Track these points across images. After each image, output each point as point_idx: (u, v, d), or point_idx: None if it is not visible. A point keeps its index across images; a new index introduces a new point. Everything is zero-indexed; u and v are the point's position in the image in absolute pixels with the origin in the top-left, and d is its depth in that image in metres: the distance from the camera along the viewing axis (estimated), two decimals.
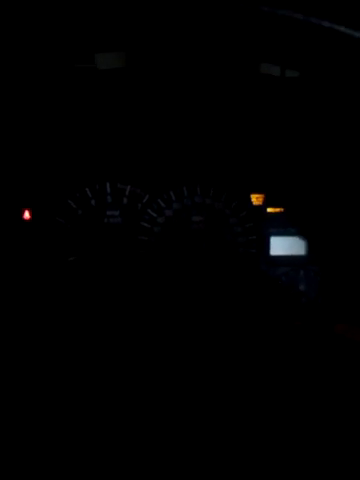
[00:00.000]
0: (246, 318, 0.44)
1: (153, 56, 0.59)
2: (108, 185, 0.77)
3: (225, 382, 0.32)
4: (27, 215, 0.77)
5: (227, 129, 0.74)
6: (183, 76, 0.66)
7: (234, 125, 0.73)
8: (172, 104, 0.69)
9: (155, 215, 0.78)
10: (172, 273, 0.77)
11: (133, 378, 0.32)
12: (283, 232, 0.78)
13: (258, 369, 0.34)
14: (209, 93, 0.68)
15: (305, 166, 0.75)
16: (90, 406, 0.30)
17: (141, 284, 0.77)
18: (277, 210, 0.78)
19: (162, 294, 0.77)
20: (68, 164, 0.76)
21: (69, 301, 0.76)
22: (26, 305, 0.74)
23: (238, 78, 0.66)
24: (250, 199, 0.77)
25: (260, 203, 0.77)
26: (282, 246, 0.78)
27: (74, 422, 0.28)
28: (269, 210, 0.78)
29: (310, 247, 0.78)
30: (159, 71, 0.63)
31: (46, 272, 0.77)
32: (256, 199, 0.76)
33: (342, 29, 0.38)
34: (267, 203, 0.77)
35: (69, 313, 0.64)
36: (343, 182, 0.74)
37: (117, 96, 0.66)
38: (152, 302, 0.76)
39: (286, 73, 1.01)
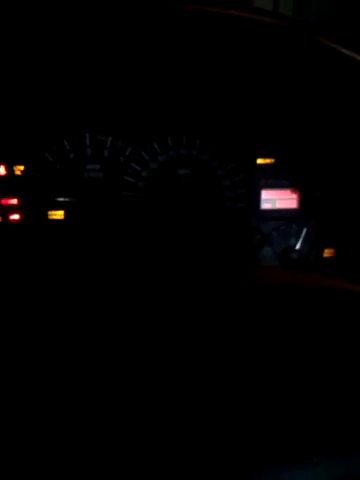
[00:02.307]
0: (233, 273, 0.40)
1: None
2: (87, 137, 0.72)
3: (212, 341, 0.30)
4: (2, 171, 0.72)
5: (214, 73, 0.68)
6: (170, 12, 0.60)
7: (222, 69, 0.67)
8: (156, 45, 0.64)
9: (139, 168, 0.73)
10: (158, 230, 0.74)
11: (121, 331, 0.30)
12: (274, 184, 0.74)
13: (245, 325, 0.31)
14: (194, 30, 0.62)
15: (296, 112, 0.70)
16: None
17: (125, 241, 0.73)
18: (268, 161, 0.73)
19: (147, 251, 0.73)
20: (44, 114, 0.71)
21: (51, 260, 0.72)
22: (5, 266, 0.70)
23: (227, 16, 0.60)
24: (239, 150, 0.73)
25: None
26: (273, 199, 0.74)
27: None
28: (259, 161, 0.73)
29: (303, 200, 0.74)
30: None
31: (25, 231, 0.73)
32: None
33: None
34: (257, 154, 0.73)
35: (51, 273, 0.61)
36: (338, 129, 0.69)
37: (95, 31, 0.60)
38: (137, 260, 0.72)
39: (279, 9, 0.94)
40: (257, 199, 0.74)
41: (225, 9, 0.50)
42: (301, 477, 0.21)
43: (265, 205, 0.74)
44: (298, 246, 0.72)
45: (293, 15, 1.06)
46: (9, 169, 0.72)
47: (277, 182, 0.73)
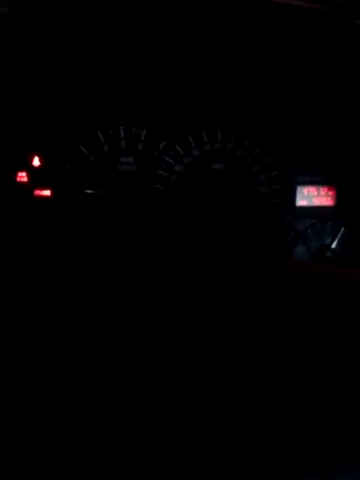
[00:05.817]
0: (266, 270, 0.39)
1: None
2: (122, 129, 0.72)
3: (237, 338, 0.29)
4: (37, 162, 0.72)
5: (252, 67, 0.67)
6: (205, 7, 0.59)
7: (259, 62, 0.66)
8: (191, 40, 0.63)
9: (172, 162, 0.73)
10: (190, 224, 0.73)
11: (143, 327, 0.30)
12: (310, 181, 0.72)
13: (275, 322, 0.30)
14: (229, 27, 0.61)
15: (331, 109, 0.68)
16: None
17: (157, 236, 0.73)
18: (304, 157, 0.72)
19: (179, 246, 0.73)
20: (79, 106, 0.71)
21: (82, 252, 0.72)
22: (35, 254, 0.70)
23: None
24: (274, 145, 0.71)
25: None
26: (309, 196, 0.72)
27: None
28: (295, 157, 0.72)
29: (339, 198, 0.72)
30: None
31: (56, 223, 0.73)
32: None
33: None
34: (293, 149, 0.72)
35: (82, 264, 0.61)
36: None
37: (131, 28, 0.59)
38: (168, 255, 0.72)
39: None
40: (292, 195, 0.72)
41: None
42: None
43: (301, 202, 0.72)
44: (334, 245, 0.71)
45: None
46: (43, 160, 0.72)
47: (313, 179, 0.72)
